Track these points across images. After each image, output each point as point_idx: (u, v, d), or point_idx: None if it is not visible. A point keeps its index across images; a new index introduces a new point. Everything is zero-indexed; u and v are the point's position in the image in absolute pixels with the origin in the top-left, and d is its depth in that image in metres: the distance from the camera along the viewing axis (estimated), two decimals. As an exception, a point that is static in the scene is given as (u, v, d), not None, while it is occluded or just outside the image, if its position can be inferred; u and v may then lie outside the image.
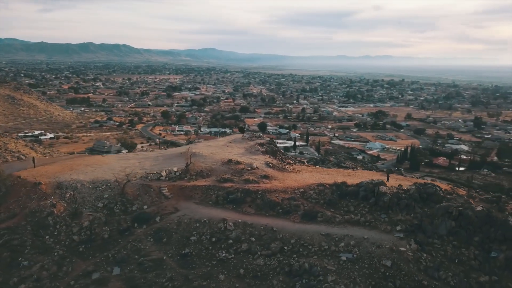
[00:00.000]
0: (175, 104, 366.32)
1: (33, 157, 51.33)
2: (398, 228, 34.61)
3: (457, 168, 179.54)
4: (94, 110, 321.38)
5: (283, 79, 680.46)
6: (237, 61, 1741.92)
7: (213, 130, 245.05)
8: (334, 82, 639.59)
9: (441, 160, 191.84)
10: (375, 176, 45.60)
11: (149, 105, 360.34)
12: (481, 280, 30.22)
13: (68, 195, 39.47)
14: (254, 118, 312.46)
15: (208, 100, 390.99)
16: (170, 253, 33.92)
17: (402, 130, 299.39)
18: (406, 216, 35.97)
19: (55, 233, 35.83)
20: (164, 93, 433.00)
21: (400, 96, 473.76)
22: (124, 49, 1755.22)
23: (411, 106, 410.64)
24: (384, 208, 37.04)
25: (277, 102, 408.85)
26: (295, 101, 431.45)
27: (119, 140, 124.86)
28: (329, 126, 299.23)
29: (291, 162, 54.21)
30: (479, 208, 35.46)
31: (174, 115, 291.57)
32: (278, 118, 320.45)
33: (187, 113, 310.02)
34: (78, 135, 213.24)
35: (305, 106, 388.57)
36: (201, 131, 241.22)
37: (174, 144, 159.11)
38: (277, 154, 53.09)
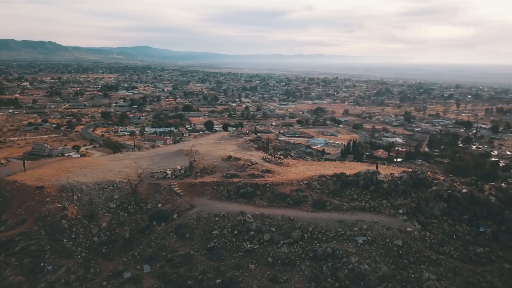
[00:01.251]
0: (113, 104, 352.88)
1: (24, 160, 48.61)
2: (401, 211, 38.50)
3: (395, 160, 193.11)
4: (25, 112, 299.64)
5: (222, 78, 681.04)
6: (173, 59, 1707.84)
7: (158, 129, 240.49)
8: (273, 80, 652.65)
9: (380, 152, 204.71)
10: (363, 167, 49.54)
11: (85, 105, 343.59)
12: (478, 252, 34.93)
13: (76, 197, 38.54)
14: (199, 117, 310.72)
15: (148, 99, 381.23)
16: (196, 248, 34.81)
17: (341, 126, 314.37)
18: (404, 201, 40.06)
19: (73, 236, 35.08)
20: (100, 93, 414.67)
21: (335, 93, 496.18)
22: (50, 47, 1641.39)
23: (346, 103, 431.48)
24: (384, 194, 40.84)
25: (220, 101, 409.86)
26: (237, 99, 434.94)
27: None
28: (273, 124, 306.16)
29: (281, 157, 56.67)
30: (464, 190, 40.54)
31: (115, 115, 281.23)
32: (223, 117, 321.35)
33: (128, 113, 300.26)
34: (12, 139, 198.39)
35: (248, 104, 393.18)
36: (146, 131, 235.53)
37: (119, 146, 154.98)
38: (268, 150, 55.22)
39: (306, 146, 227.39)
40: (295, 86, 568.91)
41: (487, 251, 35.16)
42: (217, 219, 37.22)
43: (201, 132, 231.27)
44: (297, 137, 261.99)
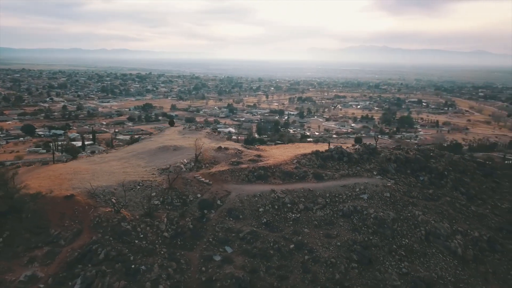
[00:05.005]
0: None
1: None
2: (375, 173, 50.50)
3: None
4: None
5: (18, 75, 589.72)
6: None
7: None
8: (81, 77, 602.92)
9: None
10: (316, 146, 60.00)
11: None
12: (430, 192, 49.76)
13: (114, 200, 36.48)
14: (7, 121, 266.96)
15: None
16: (255, 225, 38.87)
17: (174, 120, 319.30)
18: (371, 165, 52.30)
19: (141, 235, 34.33)
20: None
21: (155, 89, 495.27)
22: None
23: (169, 98, 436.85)
24: (356, 162, 52.18)
25: (26, 102, 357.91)
26: (48, 98, 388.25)
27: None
28: (104, 123, 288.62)
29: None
30: (401, 154, 55.46)
31: None
32: (38, 119, 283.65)
33: None
34: None
35: (64, 103, 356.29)
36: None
37: None
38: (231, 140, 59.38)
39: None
40: (109, 82, 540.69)
41: (433, 192, 50.42)
42: (256, 199, 41.62)
43: (21, 138, 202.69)
44: (136, 134, 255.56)
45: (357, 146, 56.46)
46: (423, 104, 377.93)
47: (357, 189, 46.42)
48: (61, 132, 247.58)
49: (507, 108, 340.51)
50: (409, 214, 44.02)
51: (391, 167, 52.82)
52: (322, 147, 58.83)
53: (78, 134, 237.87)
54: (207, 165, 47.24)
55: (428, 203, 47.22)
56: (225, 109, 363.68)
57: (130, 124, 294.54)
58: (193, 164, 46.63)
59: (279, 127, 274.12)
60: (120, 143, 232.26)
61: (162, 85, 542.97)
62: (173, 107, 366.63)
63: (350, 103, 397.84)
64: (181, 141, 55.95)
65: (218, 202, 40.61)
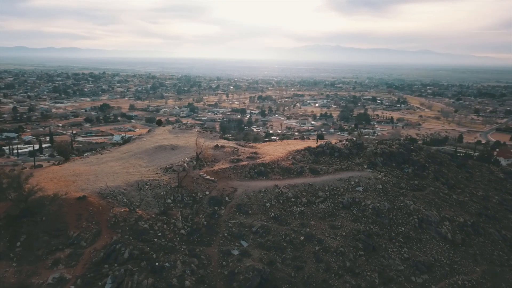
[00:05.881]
0: None
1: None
2: (365, 166, 53.23)
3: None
4: None
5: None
6: None
7: None
8: (30, 77, 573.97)
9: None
10: (307, 143, 62.09)
11: None
12: (416, 183, 53.17)
13: (126, 200, 36.36)
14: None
15: None
16: (264, 219, 40.19)
17: (133, 121, 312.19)
18: (360, 159, 55.01)
19: (159, 234, 34.48)
20: None
21: (111, 89, 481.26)
22: None
23: (127, 98, 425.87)
24: (346, 157, 54.71)
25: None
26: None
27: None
28: (60, 124, 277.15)
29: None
30: (385, 148, 58.72)
31: None
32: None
33: None
34: None
35: (14, 105, 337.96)
36: None
37: None
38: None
39: (112, 144, 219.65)
40: (60, 82, 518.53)
41: (418, 183, 53.95)
42: (262, 194, 42.89)
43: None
44: (95, 136, 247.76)
45: (345, 142, 59.16)
46: (378, 101, 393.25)
47: (352, 182, 48.87)
48: (14, 135, 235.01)
49: (454, 105, 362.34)
50: (401, 204, 47.01)
51: (378, 161, 55.90)
52: (310, 143, 61.00)
53: (33, 137, 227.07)
54: (208, 163, 47.84)
55: (416, 193, 50.56)
56: (186, 109, 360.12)
57: (88, 125, 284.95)
58: (195, 162, 47.04)
59: (243, 125, 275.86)
60: (80, 145, 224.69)
61: (118, 84, 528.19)
62: (132, 107, 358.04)
63: (308, 101, 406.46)
64: (175, 140, 55.94)
65: (226, 198, 41.49)
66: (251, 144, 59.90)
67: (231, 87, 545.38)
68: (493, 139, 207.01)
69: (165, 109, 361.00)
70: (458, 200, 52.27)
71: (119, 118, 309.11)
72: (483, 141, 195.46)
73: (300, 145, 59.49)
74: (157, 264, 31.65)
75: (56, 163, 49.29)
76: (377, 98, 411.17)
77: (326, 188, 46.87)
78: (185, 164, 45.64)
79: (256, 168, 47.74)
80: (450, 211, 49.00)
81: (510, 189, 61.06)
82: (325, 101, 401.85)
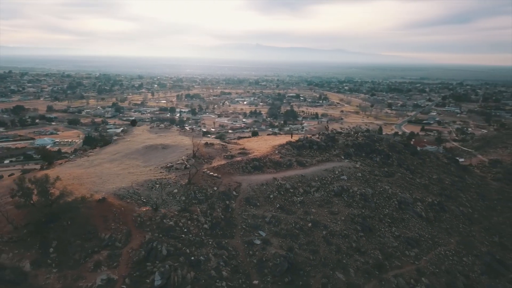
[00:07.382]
0: None
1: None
2: (343, 157, 57.72)
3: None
4: None
5: None
6: None
7: None
8: None
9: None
10: (282, 138, 65.06)
11: None
12: (386, 169, 58.92)
13: (144, 199, 36.26)
14: None
15: None
16: (272, 210, 42.62)
17: (54, 123, 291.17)
18: (336, 151, 59.43)
19: (185, 229, 35.40)
20: None
21: (21, 89, 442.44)
22: None
23: (42, 98, 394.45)
24: (324, 149, 58.80)
25: None
26: None
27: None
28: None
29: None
30: (354, 140, 63.93)
31: None
32: None
33: None
34: None
35: None
36: None
37: None
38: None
39: (35, 149, 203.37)
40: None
41: (387, 169, 59.84)
42: (264, 187, 45.02)
43: None
44: (13, 141, 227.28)
45: (319, 135, 63.31)
46: (301, 98, 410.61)
47: (337, 172, 53.03)
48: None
49: (369, 100, 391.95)
50: (381, 189, 52.24)
51: (351, 151, 60.91)
52: (285, 138, 64.18)
53: None
54: (205, 160, 48.58)
55: (388, 179, 56.29)
56: (111, 109, 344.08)
57: (1, 129, 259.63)
58: (193, 160, 47.47)
59: (175, 124, 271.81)
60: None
61: (29, 84, 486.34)
62: (50, 108, 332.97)
63: (236, 99, 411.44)
64: (161, 139, 55.37)
65: (234, 192, 43.03)
66: (234, 141, 61.43)
67: (156, 86, 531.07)
68: (407, 130, 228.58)
69: (87, 110, 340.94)
70: (422, 183, 59.16)
71: (37, 120, 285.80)
72: (400, 132, 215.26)
73: (276, 140, 62.47)
74: (193, 258, 32.49)
75: (44, 167, 46.21)
76: (300, 95, 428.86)
77: (317, 178, 50.41)
78: (186, 162, 45.98)
79: (250, 163, 49.68)
80: (418, 193, 55.44)
81: (455, 172, 70.24)
82: (252, 99, 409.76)
